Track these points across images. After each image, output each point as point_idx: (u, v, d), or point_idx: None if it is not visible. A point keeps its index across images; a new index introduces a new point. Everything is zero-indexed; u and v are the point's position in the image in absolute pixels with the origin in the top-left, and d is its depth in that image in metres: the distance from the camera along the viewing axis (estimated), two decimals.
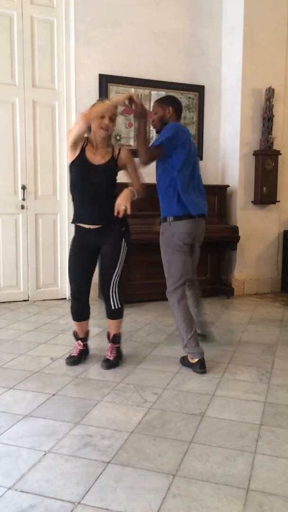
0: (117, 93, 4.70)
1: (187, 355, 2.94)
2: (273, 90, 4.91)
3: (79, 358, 3.01)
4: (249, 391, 2.62)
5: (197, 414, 2.33)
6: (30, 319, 4.03)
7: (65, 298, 4.77)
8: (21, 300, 4.63)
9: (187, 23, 4.96)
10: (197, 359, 2.86)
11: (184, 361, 2.96)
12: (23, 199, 4.55)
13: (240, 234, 4.84)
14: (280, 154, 5.01)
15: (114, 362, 2.95)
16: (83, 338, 3.08)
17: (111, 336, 3.00)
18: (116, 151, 2.86)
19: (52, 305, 4.52)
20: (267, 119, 4.91)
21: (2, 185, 4.49)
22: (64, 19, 4.52)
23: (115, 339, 3.00)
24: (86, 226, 2.86)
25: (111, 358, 2.96)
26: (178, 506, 1.64)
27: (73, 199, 2.90)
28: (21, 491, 1.71)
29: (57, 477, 1.80)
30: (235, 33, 4.92)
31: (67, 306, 4.53)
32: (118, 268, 2.87)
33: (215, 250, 4.99)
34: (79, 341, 3.07)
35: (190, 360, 2.89)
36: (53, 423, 2.21)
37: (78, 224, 2.89)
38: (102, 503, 1.65)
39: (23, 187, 4.52)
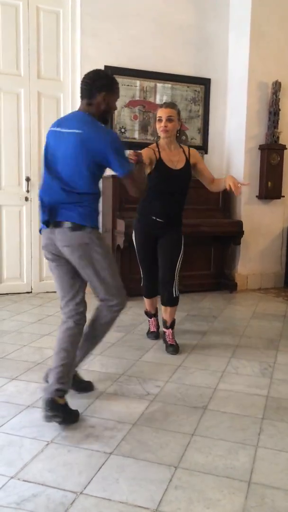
0: (123, 85, 4.67)
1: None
2: (280, 83, 4.87)
3: (158, 332, 3.35)
4: (252, 385, 2.62)
5: (199, 407, 2.33)
6: (33, 311, 4.04)
7: None
8: (24, 292, 4.64)
9: (194, 15, 4.92)
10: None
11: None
12: (27, 191, 4.54)
13: (244, 228, 4.83)
14: (286, 148, 4.98)
15: (178, 345, 3.11)
16: (155, 314, 3.39)
17: (169, 322, 3.16)
18: (187, 152, 3.08)
19: (55, 297, 4.51)
20: (273, 113, 4.88)
21: (6, 176, 4.48)
22: (70, 10, 4.49)
23: (173, 324, 3.19)
24: (158, 219, 3.05)
25: (174, 343, 3.11)
26: (179, 498, 1.65)
27: (148, 196, 2.86)
28: (23, 480, 1.72)
29: (60, 467, 1.81)
30: (242, 26, 4.88)
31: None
32: (180, 259, 3.09)
33: (219, 244, 4.98)
34: (153, 318, 3.39)
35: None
36: None
37: (149, 216, 3.07)
38: (104, 493, 1.66)
39: (27, 179, 4.52)
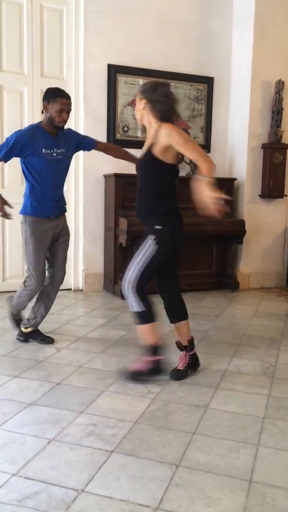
0: (126, 84, 4.67)
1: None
2: (283, 82, 4.86)
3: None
4: (253, 384, 2.62)
5: (201, 406, 2.34)
6: None
7: (70, 289, 4.78)
8: None
9: (197, 13, 4.92)
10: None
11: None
12: None
13: (246, 227, 4.83)
14: None
15: (185, 373, 2.69)
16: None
17: (188, 341, 2.71)
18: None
19: (59, 294, 4.52)
20: (276, 112, 4.88)
21: (9, 174, 4.49)
22: (74, 8, 4.49)
23: (187, 347, 2.71)
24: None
25: (181, 369, 2.69)
26: (181, 496, 1.65)
27: (164, 199, 2.58)
28: (25, 477, 1.73)
29: (61, 465, 1.81)
30: (245, 24, 4.87)
31: (72, 297, 4.55)
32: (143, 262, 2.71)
33: (221, 243, 4.98)
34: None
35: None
36: (58, 412, 2.23)
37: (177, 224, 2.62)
38: (105, 491, 1.66)
39: None
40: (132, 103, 4.66)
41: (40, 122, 2.99)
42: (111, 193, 4.52)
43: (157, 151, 2.45)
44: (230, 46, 5.09)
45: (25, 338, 3.20)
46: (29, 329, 3.20)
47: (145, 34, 4.71)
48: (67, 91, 4.62)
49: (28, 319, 3.22)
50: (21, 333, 3.22)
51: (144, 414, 2.24)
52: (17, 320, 3.32)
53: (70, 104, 2.93)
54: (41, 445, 1.94)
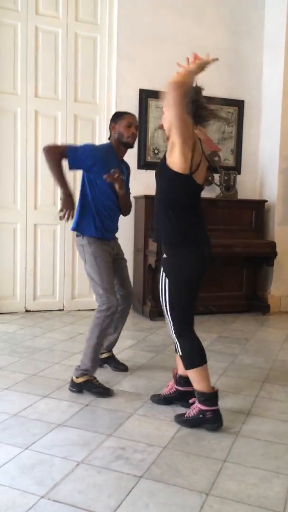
0: (157, 108, 4.75)
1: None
2: None
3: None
4: (286, 411, 2.55)
5: (232, 432, 2.28)
6: (65, 329, 4.08)
7: None
8: (57, 309, 4.70)
9: (227, 38, 4.98)
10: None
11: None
12: (62, 210, 4.62)
13: (277, 249, 4.76)
14: None
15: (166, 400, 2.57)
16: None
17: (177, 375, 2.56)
18: None
19: (86, 315, 4.56)
20: None
21: (42, 196, 4.59)
22: (107, 36, 4.63)
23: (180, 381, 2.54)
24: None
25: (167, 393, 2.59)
26: None
27: (192, 220, 2.33)
28: (53, 500, 1.72)
29: (90, 489, 1.80)
30: (277, 47, 4.90)
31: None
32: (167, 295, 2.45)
33: (251, 265, 4.93)
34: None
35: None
36: (86, 434, 2.22)
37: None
38: None
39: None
40: (162, 127, 4.72)
41: (109, 143, 2.91)
42: (141, 214, 4.56)
43: (167, 155, 2.28)
44: (261, 69, 5.13)
45: (100, 362, 3.00)
46: (105, 354, 3.08)
47: (176, 59, 4.73)
48: (99, 115, 4.80)
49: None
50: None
51: (173, 439, 2.21)
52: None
53: (137, 121, 2.90)
54: (70, 468, 1.94)
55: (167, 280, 2.32)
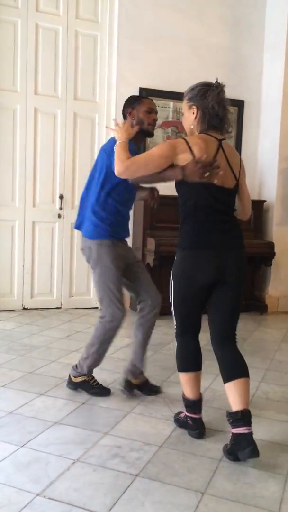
0: (157, 107, 4.74)
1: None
2: None
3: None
4: (282, 411, 2.55)
5: (228, 431, 2.28)
6: (62, 327, 4.08)
7: (96, 307, 4.79)
8: (54, 307, 4.69)
9: (228, 37, 4.98)
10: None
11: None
12: (60, 208, 4.63)
13: (275, 250, 4.77)
14: None
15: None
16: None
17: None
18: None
19: (83, 313, 4.55)
20: None
21: (41, 194, 4.59)
22: (107, 34, 4.62)
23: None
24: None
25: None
26: None
27: (190, 218, 2.18)
28: (49, 498, 1.72)
29: (85, 487, 1.80)
30: (277, 48, 4.90)
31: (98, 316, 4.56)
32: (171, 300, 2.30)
33: (250, 265, 4.91)
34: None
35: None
36: (82, 432, 2.22)
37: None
38: None
39: (61, 197, 4.61)
40: (163, 125, 4.72)
41: None
42: (140, 213, 4.56)
43: None
44: (261, 69, 5.12)
45: (130, 390, 2.67)
46: (136, 381, 2.66)
47: (176, 58, 4.79)
48: (99, 113, 4.79)
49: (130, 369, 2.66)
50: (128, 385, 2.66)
51: (169, 438, 2.21)
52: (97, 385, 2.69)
53: (156, 106, 2.67)
54: (66, 466, 1.93)
55: (171, 282, 2.22)
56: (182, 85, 4.75)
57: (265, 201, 4.98)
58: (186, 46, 4.83)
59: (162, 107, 4.76)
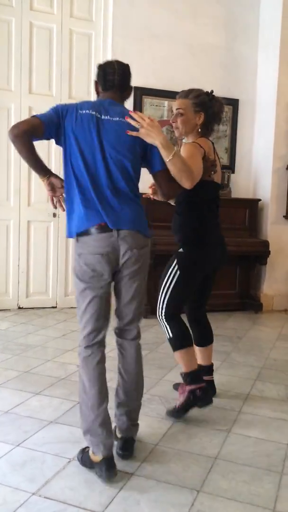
0: (151, 105, 4.74)
1: (87, 447, 1.93)
2: None
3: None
4: (277, 409, 2.56)
5: (223, 430, 2.29)
6: (58, 326, 4.07)
7: None
8: (50, 306, 4.69)
9: (223, 37, 4.99)
10: (102, 456, 1.82)
11: (82, 455, 1.92)
12: (55, 207, 4.61)
13: (270, 248, 4.78)
14: None
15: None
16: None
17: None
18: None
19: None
20: None
21: (35, 193, 4.58)
22: (102, 33, 4.61)
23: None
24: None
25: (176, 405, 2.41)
26: None
27: (198, 215, 2.40)
28: (45, 497, 1.72)
29: (81, 486, 1.80)
30: (271, 47, 4.91)
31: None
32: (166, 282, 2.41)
33: (245, 264, 4.94)
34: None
35: (91, 456, 1.87)
36: (78, 431, 2.20)
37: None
38: None
39: None
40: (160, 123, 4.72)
41: None
42: None
43: None
44: (256, 69, 5.13)
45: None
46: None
47: (171, 57, 4.79)
48: None
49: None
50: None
51: (164, 436, 2.21)
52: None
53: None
54: (61, 465, 1.93)
55: (176, 271, 2.37)
56: (176, 84, 4.80)
57: (259, 200, 5.00)
58: (181, 45, 4.83)
59: (156, 106, 4.77)
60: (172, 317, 2.38)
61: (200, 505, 1.71)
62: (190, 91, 2.44)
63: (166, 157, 1.92)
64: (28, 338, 3.69)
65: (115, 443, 1.99)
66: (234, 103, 5.09)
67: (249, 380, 2.97)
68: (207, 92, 2.46)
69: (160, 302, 2.40)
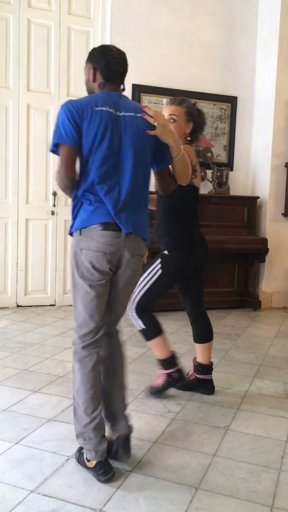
0: (150, 103, 4.74)
1: (82, 451, 1.90)
2: None
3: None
4: (275, 406, 2.57)
5: (221, 427, 2.30)
6: (56, 324, 4.07)
7: None
8: (48, 304, 4.69)
9: (221, 34, 4.98)
10: (95, 461, 1.81)
11: (79, 456, 1.91)
12: (54, 205, 4.62)
13: (269, 246, 4.78)
14: None
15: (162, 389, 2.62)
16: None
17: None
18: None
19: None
20: None
21: (34, 191, 4.57)
22: (100, 30, 4.60)
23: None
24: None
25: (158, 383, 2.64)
26: None
27: (180, 222, 2.55)
28: (43, 494, 1.72)
29: (80, 483, 1.80)
30: (270, 45, 4.90)
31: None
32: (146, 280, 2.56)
33: (243, 261, 4.94)
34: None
35: (86, 462, 1.85)
36: None
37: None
38: None
39: (54, 194, 4.59)
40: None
41: None
42: None
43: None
44: (254, 66, 5.13)
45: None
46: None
47: (170, 54, 4.78)
48: None
49: None
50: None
51: (163, 433, 2.21)
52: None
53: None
54: (60, 462, 1.94)
55: (158, 269, 2.52)
56: (175, 82, 4.81)
57: (258, 197, 4.99)
58: (179, 42, 4.82)
59: (155, 103, 4.76)
60: (145, 310, 2.53)
61: (198, 502, 1.72)
62: (183, 100, 2.54)
63: (176, 155, 1.94)
64: (27, 336, 3.69)
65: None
66: (232, 101, 5.08)
67: (248, 378, 2.97)
68: (194, 103, 2.60)
69: (136, 295, 2.51)
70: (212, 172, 4.91)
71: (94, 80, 1.95)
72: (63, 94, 4.57)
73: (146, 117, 1.87)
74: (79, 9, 4.57)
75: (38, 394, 2.60)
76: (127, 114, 1.85)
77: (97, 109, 1.81)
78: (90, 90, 2.00)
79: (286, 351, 3.57)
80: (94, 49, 1.99)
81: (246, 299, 4.95)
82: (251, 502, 1.73)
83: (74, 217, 1.89)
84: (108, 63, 1.91)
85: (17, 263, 4.55)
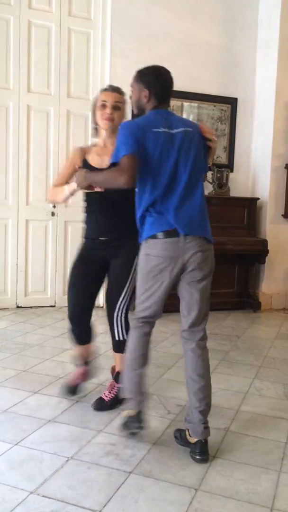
0: None
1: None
2: None
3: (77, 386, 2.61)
4: (275, 408, 2.57)
5: (221, 428, 2.30)
6: (56, 325, 4.07)
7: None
8: (48, 305, 4.68)
9: (222, 35, 4.98)
10: (196, 439, 1.99)
11: (180, 436, 2.11)
12: (54, 206, 4.62)
13: (269, 247, 4.78)
14: None
15: (109, 404, 2.44)
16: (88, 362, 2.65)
17: (115, 372, 2.54)
18: None
19: None
20: None
21: (34, 192, 4.57)
22: (100, 31, 4.60)
23: (118, 377, 2.46)
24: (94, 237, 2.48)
25: (106, 399, 2.46)
26: None
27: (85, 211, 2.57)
28: (43, 496, 1.72)
29: (79, 484, 1.80)
30: (270, 46, 4.91)
31: (93, 314, 4.55)
32: (127, 290, 2.42)
33: (243, 263, 4.94)
34: (85, 366, 2.62)
35: (188, 437, 2.04)
36: (76, 430, 2.22)
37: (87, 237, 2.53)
38: None
39: None
40: None
41: None
42: None
43: None
44: (254, 67, 5.13)
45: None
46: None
47: (169, 55, 4.78)
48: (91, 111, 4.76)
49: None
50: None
51: (163, 435, 2.21)
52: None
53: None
54: (60, 463, 1.93)
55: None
56: (175, 83, 4.76)
57: (258, 198, 5.00)
58: (179, 43, 4.82)
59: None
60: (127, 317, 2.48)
61: (198, 503, 1.72)
62: (121, 89, 2.53)
63: (210, 162, 2.19)
64: (27, 337, 3.69)
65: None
66: (232, 102, 5.08)
67: (247, 379, 2.97)
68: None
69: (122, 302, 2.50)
70: (212, 174, 4.91)
71: (148, 101, 2.11)
72: (64, 95, 4.57)
73: (204, 133, 2.09)
74: (80, 10, 4.57)
75: (38, 395, 2.59)
76: (179, 130, 2.04)
77: (154, 130, 2.00)
78: (140, 109, 2.16)
79: (286, 353, 3.57)
80: (145, 70, 2.16)
81: (246, 300, 4.95)
82: (251, 503, 1.73)
83: (141, 228, 2.10)
84: (163, 87, 2.11)
85: (17, 264, 4.55)
